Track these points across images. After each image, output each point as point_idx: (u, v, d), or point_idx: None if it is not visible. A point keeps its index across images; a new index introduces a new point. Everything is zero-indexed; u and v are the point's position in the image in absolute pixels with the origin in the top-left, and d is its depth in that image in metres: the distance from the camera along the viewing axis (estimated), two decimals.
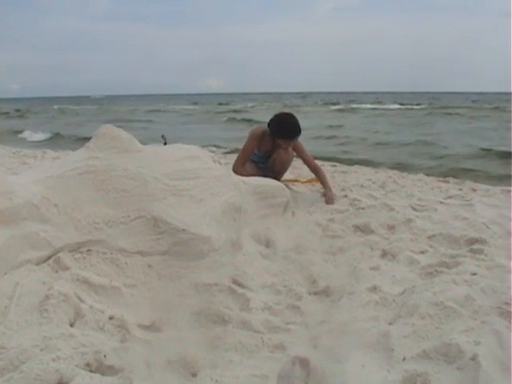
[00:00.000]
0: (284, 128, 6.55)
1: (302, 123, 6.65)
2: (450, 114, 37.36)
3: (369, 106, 54.82)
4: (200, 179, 4.30)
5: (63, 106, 73.62)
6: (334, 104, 62.11)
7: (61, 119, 39.52)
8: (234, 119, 35.21)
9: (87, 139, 4.26)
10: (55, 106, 69.62)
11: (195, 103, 78.73)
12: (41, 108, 63.54)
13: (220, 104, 71.41)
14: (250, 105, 63.75)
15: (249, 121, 31.57)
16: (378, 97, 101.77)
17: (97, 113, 50.69)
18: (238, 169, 6.41)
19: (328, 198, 6.43)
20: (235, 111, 47.24)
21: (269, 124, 6.64)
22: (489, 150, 14.75)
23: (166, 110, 52.81)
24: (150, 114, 47.15)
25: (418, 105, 55.48)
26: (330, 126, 26.80)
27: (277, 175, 6.71)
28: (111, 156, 4.06)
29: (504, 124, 26.62)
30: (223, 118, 36.48)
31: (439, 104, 58.35)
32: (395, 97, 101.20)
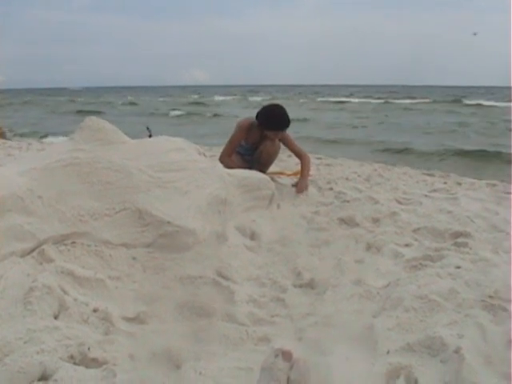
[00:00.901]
0: (272, 119, 6.55)
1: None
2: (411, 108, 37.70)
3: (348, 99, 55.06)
4: (185, 171, 4.29)
5: (37, 97, 72.98)
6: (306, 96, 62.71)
7: (19, 112, 38.83)
8: (188, 113, 35.01)
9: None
10: (27, 98, 68.44)
11: (171, 95, 78.80)
12: (14, 100, 62.51)
13: (189, 96, 71.12)
14: (220, 98, 63.52)
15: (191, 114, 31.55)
16: (352, 91, 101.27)
17: (62, 105, 49.97)
18: (225, 160, 6.37)
19: (299, 186, 6.45)
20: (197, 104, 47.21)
21: (257, 115, 6.63)
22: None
23: (134, 103, 52.14)
24: (122, 106, 47.12)
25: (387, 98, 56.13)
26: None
27: (263, 167, 6.72)
28: (96, 148, 4.05)
29: (467, 118, 26.80)
30: (172, 113, 36.37)
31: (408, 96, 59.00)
32: (369, 90, 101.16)
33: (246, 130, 6.64)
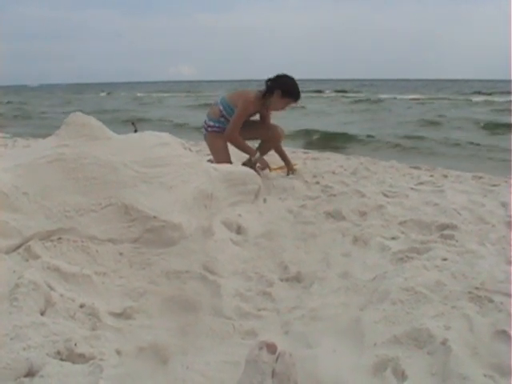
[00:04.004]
0: (296, 89, 6.70)
1: None
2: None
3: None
4: (171, 166, 4.29)
5: None
6: None
7: None
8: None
9: None
10: None
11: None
12: None
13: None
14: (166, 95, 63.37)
15: None
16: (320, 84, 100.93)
17: None
18: (235, 136, 6.65)
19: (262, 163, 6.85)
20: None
21: (274, 83, 6.71)
22: None
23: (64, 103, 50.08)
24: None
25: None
26: None
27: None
28: (81, 143, 4.05)
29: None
30: None
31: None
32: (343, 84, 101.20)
33: (252, 104, 6.72)
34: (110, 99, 51.86)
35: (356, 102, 39.01)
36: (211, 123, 6.95)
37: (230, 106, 6.77)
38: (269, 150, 7.30)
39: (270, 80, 6.69)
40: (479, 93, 51.08)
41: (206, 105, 35.61)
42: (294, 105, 6.80)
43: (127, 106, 37.56)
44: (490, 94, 46.73)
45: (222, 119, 6.83)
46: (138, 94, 62.92)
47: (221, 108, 6.83)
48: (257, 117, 7.14)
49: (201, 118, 7.49)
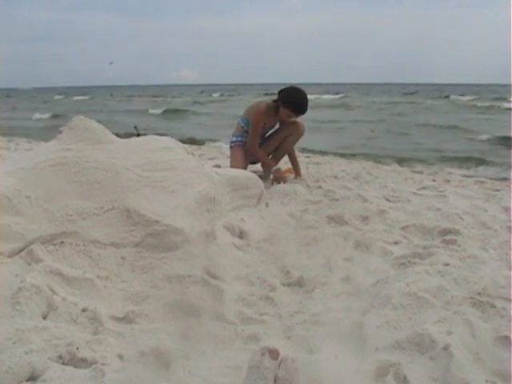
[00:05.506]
0: (301, 103, 6.73)
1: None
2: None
3: None
4: (173, 170, 4.29)
5: None
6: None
7: None
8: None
9: None
10: None
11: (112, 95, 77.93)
12: None
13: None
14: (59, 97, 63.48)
15: None
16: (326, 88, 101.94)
17: None
18: (255, 147, 6.86)
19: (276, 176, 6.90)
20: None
21: (283, 96, 6.78)
22: None
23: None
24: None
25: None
26: None
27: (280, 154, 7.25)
28: (84, 147, 4.05)
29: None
30: None
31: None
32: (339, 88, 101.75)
33: (264, 113, 6.82)
34: (79, 103, 52.32)
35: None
36: (234, 139, 7.15)
37: (246, 119, 6.94)
38: (282, 156, 7.37)
39: (285, 94, 6.78)
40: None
41: (170, 110, 35.99)
42: (294, 117, 6.85)
43: (83, 109, 37.62)
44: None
45: (245, 134, 7.00)
46: (117, 99, 62.63)
47: (242, 125, 7.03)
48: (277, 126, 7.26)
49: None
